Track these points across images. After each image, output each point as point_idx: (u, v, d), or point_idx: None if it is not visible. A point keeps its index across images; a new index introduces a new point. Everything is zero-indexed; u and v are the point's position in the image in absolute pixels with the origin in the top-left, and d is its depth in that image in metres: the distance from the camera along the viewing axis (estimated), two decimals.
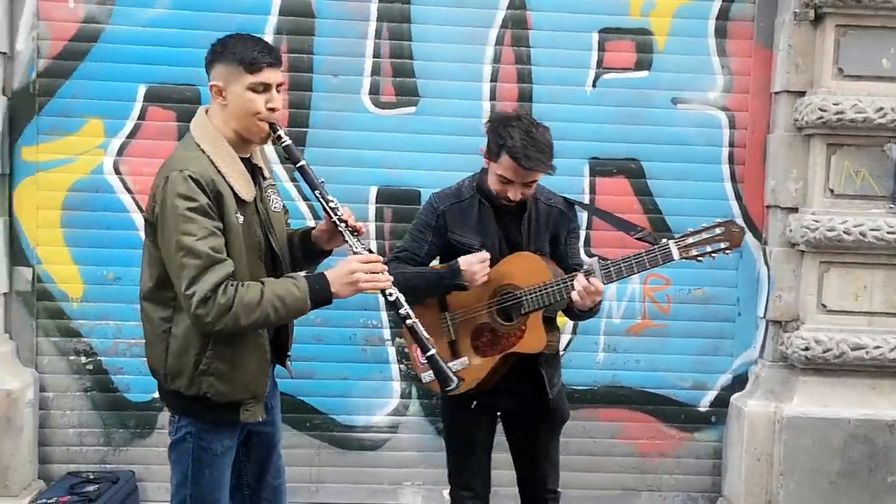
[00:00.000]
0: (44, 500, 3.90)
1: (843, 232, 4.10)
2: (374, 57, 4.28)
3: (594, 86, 4.35)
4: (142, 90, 4.20)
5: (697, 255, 2.89)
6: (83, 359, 4.30)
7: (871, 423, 4.16)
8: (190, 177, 2.38)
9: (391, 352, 4.42)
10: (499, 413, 3.24)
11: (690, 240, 2.89)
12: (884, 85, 4.12)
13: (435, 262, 3.23)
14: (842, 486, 4.17)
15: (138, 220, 4.15)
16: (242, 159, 2.55)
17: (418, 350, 2.74)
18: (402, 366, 4.42)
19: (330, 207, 2.60)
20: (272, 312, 2.43)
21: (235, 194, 2.47)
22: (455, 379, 2.66)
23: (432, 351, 2.64)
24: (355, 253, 2.57)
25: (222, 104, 2.51)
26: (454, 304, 3.08)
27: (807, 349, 4.16)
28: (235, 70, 2.47)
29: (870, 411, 4.17)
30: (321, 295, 2.49)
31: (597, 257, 2.96)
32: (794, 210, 4.25)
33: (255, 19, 4.20)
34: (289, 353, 2.77)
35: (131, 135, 4.22)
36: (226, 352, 2.49)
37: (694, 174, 4.40)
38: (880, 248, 4.12)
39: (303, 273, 2.62)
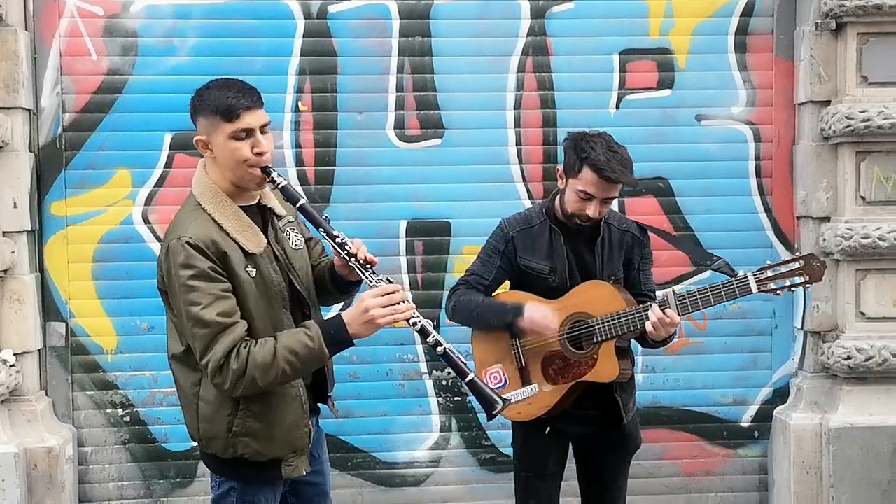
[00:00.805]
0: None
1: (878, 238, 4.08)
2: (397, 91, 4.28)
3: (618, 107, 4.36)
4: (167, 138, 4.19)
5: (776, 289, 2.85)
6: (120, 411, 4.27)
7: None
8: (188, 243, 2.33)
9: (429, 385, 4.38)
10: (570, 440, 3.20)
11: (769, 273, 2.85)
12: None
13: (506, 284, 3.20)
14: (895, 494, 4.12)
15: None
16: (250, 206, 2.48)
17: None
18: (440, 398, 4.39)
19: (337, 243, 2.51)
20: (287, 367, 2.35)
21: (242, 249, 2.40)
22: (499, 400, 2.52)
23: (471, 376, 2.50)
24: (371, 286, 2.46)
25: (211, 157, 2.44)
26: (525, 331, 3.05)
27: (849, 358, 4.13)
28: (215, 120, 2.39)
29: None
30: (338, 338, 2.39)
31: (671, 289, 2.93)
32: (826, 219, 4.24)
33: (276, 61, 4.21)
34: (330, 394, 2.70)
35: (159, 183, 4.21)
36: (258, 409, 2.43)
37: (722, 189, 4.40)
38: None
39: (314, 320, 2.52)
